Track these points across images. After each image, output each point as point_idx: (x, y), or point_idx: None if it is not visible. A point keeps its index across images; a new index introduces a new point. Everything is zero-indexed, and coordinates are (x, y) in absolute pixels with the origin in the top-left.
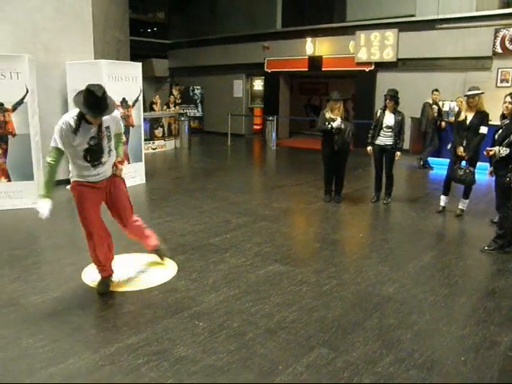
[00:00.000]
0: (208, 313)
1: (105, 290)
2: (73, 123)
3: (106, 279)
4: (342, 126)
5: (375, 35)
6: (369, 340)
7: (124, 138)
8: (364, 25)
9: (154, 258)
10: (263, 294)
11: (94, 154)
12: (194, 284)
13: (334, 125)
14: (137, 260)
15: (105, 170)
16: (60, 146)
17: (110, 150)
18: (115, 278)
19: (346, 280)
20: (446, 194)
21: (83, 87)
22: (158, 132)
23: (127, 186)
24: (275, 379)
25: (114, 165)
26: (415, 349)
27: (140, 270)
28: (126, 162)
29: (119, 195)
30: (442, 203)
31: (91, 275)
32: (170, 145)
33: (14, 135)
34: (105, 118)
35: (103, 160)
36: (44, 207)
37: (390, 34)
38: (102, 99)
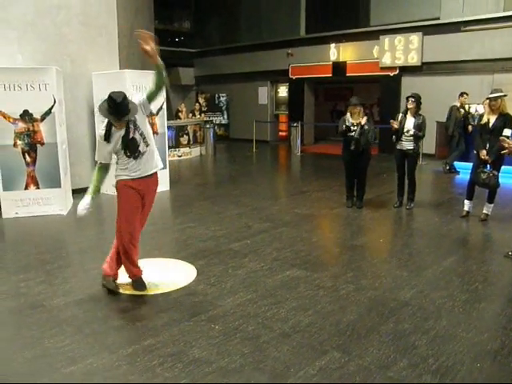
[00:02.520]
0: (224, 316)
1: (145, 287)
2: (103, 133)
3: (140, 278)
4: (366, 126)
5: (399, 39)
6: (383, 345)
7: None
8: (388, 29)
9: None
10: (279, 298)
11: (132, 148)
12: (211, 288)
13: (351, 127)
14: (156, 264)
15: (145, 163)
16: (97, 158)
17: (145, 139)
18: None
19: (363, 285)
20: (469, 198)
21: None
22: (184, 139)
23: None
24: (286, 381)
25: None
26: (430, 354)
27: (159, 274)
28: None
29: (148, 203)
30: (466, 208)
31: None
32: (195, 152)
33: (42, 144)
34: (132, 119)
35: (141, 149)
36: (82, 204)
37: (415, 37)
38: (120, 104)
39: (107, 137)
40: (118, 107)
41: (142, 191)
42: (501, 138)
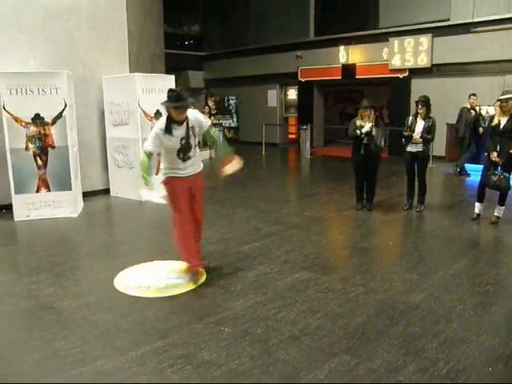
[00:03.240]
0: (234, 318)
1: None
2: (164, 127)
3: (196, 271)
4: (373, 132)
5: (409, 41)
6: (392, 348)
7: (214, 130)
8: (397, 31)
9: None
10: (289, 300)
11: (185, 152)
12: (221, 290)
13: (363, 130)
14: (166, 266)
15: (192, 165)
16: (150, 149)
17: (196, 146)
18: (151, 282)
19: (372, 288)
20: (480, 200)
21: (119, 100)
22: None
23: (160, 195)
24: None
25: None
26: (440, 358)
27: (169, 277)
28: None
29: (198, 197)
30: (477, 210)
31: (123, 281)
32: (204, 155)
33: (53, 147)
34: (190, 119)
35: (191, 155)
36: (154, 196)
37: (424, 39)
38: (180, 94)
39: (169, 130)
40: (178, 95)
41: (189, 187)
42: None
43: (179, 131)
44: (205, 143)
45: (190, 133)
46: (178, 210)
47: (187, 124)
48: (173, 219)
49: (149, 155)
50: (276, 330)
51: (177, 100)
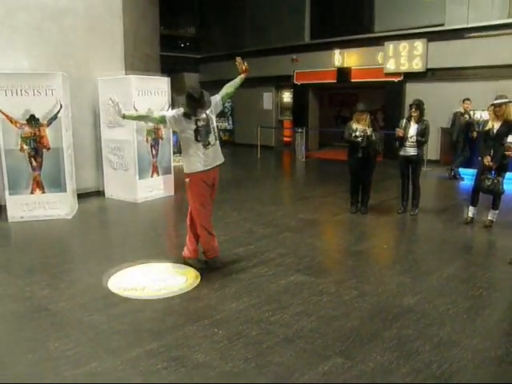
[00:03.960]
0: (228, 321)
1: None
2: (182, 113)
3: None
4: (373, 137)
5: (404, 45)
6: (386, 350)
7: (228, 87)
8: (392, 35)
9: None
10: (283, 303)
11: (203, 134)
12: (215, 293)
13: (357, 133)
14: (160, 268)
15: (214, 154)
16: (168, 116)
17: (215, 133)
18: (146, 284)
19: (366, 291)
20: (473, 204)
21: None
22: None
23: (156, 197)
24: None
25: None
26: (433, 360)
27: (164, 279)
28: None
29: (215, 189)
30: (470, 214)
31: (117, 283)
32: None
33: (48, 149)
34: (210, 105)
35: (211, 141)
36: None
37: (419, 43)
38: (200, 99)
39: (188, 115)
40: (198, 103)
41: (210, 180)
42: (506, 144)
43: (200, 114)
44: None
45: (209, 115)
46: (204, 207)
47: (206, 115)
48: (194, 213)
49: (160, 119)
50: (270, 333)
51: (200, 106)
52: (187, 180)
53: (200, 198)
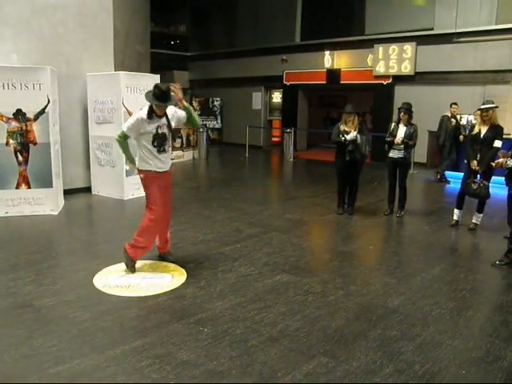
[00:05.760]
0: (213, 319)
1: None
2: (145, 115)
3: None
4: (358, 140)
5: (393, 48)
6: (370, 350)
7: (195, 115)
8: (382, 38)
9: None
10: (269, 302)
11: (160, 141)
12: (201, 291)
13: (348, 137)
14: (147, 266)
15: (166, 160)
16: (125, 130)
17: (170, 142)
18: (130, 283)
19: (352, 291)
20: (459, 207)
21: (103, 98)
22: (177, 143)
23: (143, 194)
24: None
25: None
26: (416, 360)
27: (150, 276)
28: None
29: (169, 190)
30: (456, 217)
31: (102, 280)
32: (188, 155)
33: (35, 144)
34: (168, 113)
35: (166, 148)
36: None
37: (408, 47)
38: (166, 93)
39: (150, 116)
40: (163, 94)
41: (163, 182)
42: (499, 153)
43: (158, 120)
44: (188, 144)
45: (166, 125)
46: (158, 205)
47: (166, 118)
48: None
49: (124, 137)
50: (255, 332)
51: (161, 99)
52: (142, 176)
53: (154, 198)
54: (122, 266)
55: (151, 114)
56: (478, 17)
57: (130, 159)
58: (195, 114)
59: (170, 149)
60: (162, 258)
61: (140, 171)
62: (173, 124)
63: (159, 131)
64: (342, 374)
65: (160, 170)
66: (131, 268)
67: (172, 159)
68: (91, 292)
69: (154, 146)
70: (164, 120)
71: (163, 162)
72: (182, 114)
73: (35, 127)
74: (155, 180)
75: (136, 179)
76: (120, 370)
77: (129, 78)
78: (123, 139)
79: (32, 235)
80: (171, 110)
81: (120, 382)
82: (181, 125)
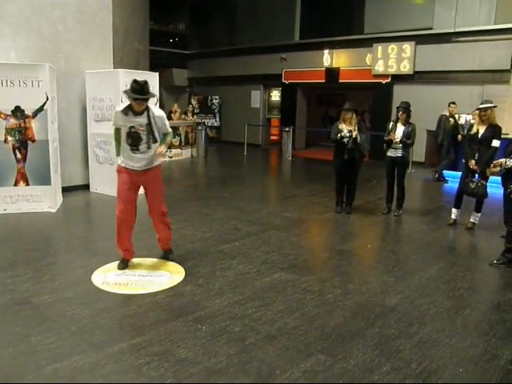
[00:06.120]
0: (211, 317)
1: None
2: (122, 109)
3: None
4: (358, 139)
5: (392, 48)
6: (368, 348)
7: (170, 138)
8: (381, 37)
9: (163, 259)
10: (267, 300)
11: (133, 140)
12: (199, 289)
13: (346, 134)
14: (145, 264)
15: (143, 160)
16: (112, 123)
17: (150, 143)
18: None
19: (349, 289)
20: (457, 207)
21: (101, 95)
22: (175, 141)
23: (141, 192)
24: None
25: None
26: (413, 359)
27: (148, 274)
28: (162, 148)
29: (153, 189)
30: (453, 216)
31: (100, 277)
32: (186, 153)
33: (33, 141)
34: (152, 113)
35: (141, 148)
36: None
37: (408, 46)
38: (143, 86)
39: (125, 113)
40: (140, 89)
41: (137, 181)
42: (494, 162)
43: (133, 119)
44: (187, 142)
45: (145, 125)
46: (119, 202)
47: (148, 117)
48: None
49: (115, 130)
50: (253, 329)
51: (138, 93)
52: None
53: (119, 195)
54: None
55: (127, 109)
56: (476, 16)
57: (117, 150)
58: (166, 142)
59: (151, 150)
60: (163, 255)
61: (117, 165)
62: (154, 126)
63: (132, 130)
64: (340, 371)
65: (131, 168)
66: (121, 266)
67: (170, 157)
68: (89, 289)
69: (128, 144)
70: (143, 119)
71: (136, 162)
72: (167, 123)
73: (34, 124)
74: (123, 176)
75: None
76: (118, 367)
77: (128, 76)
78: (116, 130)
79: (30, 232)
80: (157, 110)
81: (118, 380)
82: (161, 131)
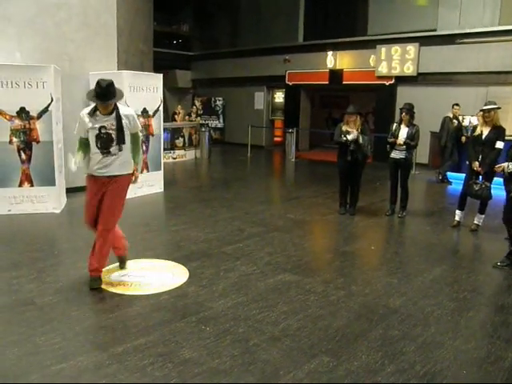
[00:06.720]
0: (215, 318)
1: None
2: (88, 111)
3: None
4: (360, 141)
5: (396, 49)
6: (371, 350)
7: (141, 140)
8: (385, 39)
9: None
10: (271, 302)
11: (104, 143)
12: (203, 290)
13: (350, 138)
14: (149, 265)
15: (113, 163)
16: (75, 132)
17: (121, 144)
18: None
19: (353, 291)
20: (461, 208)
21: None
22: (179, 142)
23: (145, 193)
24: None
25: (132, 174)
26: (417, 360)
27: (151, 275)
28: (139, 173)
29: (108, 200)
30: (457, 218)
31: (104, 278)
32: (190, 155)
33: (37, 142)
34: (122, 113)
35: (112, 150)
36: (72, 162)
37: (411, 48)
38: (105, 89)
39: (92, 112)
40: (103, 92)
41: (98, 188)
42: (496, 167)
43: (102, 118)
44: (190, 143)
45: (115, 126)
46: (85, 214)
47: (117, 117)
48: None
49: (81, 140)
50: (257, 331)
51: (101, 98)
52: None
53: (85, 206)
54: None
55: (94, 111)
56: (481, 18)
57: (79, 159)
58: (139, 156)
59: (122, 152)
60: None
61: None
62: (125, 126)
63: (102, 131)
64: (344, 373)
65: (98, 175)
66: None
67: (174, 158)
68: (94, 290)
69: (98, 148)
70: (112, 120)
71: (107, 166)
72: (138, 122)
73: (38, 125)
74: (90, 183)
75: (139, 178)
76: (122, 367)
77: (132, 77)
78: (80, 142)
79: (34, 233)
80: (126, 110)
81: (123, 380)
82: (133, 129)
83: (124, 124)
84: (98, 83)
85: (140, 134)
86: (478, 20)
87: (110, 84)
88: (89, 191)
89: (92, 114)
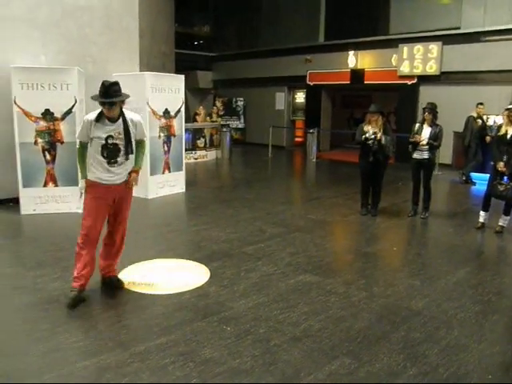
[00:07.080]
0: (236, 318)
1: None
2: (93, 117)
3: (79, 291)
4: (383, 141)
5: (418, 48)
6: (393, 352)
7: (144, 151)
8: (407, 38)
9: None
10: (291, 302)
11: (110, 153)
12: (224, 290)
13: (367, 135)
14: (170, 265)
15: (120, 172)
16: (77, 136)
17: (128, 154)
18: (146, 280)
19: (375, 292)
20: (485, 209)
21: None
22: (200, 142)
23: (167, 193)
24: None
25: (129, 173)
26: (440, 363)
27: (173, 275)
28: (138, 175)
29: (124, 208)
30: (481, 219)
31: (128, 277)
32: (211, 155)
33: (62, 143)
34: (128, 120)
35: (119, 160)
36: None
37: (434, 46)
38: (108, 88)
39: (98, 118)
40: (106, 91)
41: (112, 199)
42: None
43: (109, 127)
44: (211, 143)
45: (122, 135)
46: (88, 218)
47: (124, 124)
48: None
49: (81, 144)
50: (278, 331)
51: (103, 95)
52: (85, 184)
53: (90, 211)
54: (147, 263)
55: (100, 117)
56: (506, 14)
57: (82, 172)
58: (142, 161)
59: (129, 160)
60: (107, 282)
61: (86, 180)
62: (131, 131)
63: (109, 141)
64: (365, 375)
65: (105, 182)
66: (71, 301)
67: (195, 159)
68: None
69: (104, 157)
70: (119, 126)
71: (115, 175)
72: (143, 130)
73: (62, 126)
74: (97, 190)
75: (161, 178)
76: (144, 366)
77: (154, 79)
78: (80, 147)
79: (58, 233)
80: (133, 116)
81: (144, 379)
82: (139, 135)
83: (131, 132)
84: (102, 83)
85: (145, 145)
86: (502, 17)
87: (114, 83)
88: (94, 198)
89: (98, 120)
